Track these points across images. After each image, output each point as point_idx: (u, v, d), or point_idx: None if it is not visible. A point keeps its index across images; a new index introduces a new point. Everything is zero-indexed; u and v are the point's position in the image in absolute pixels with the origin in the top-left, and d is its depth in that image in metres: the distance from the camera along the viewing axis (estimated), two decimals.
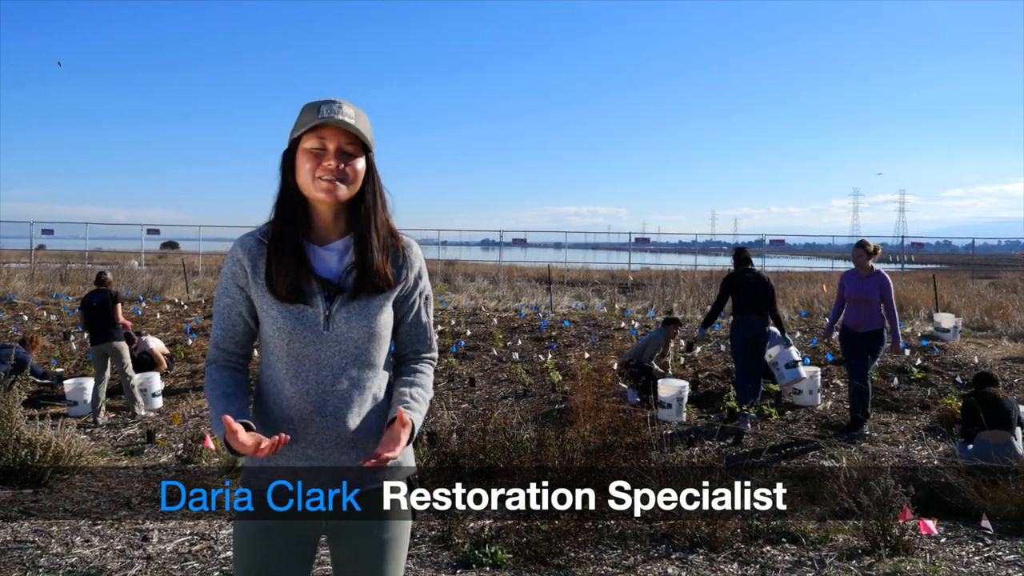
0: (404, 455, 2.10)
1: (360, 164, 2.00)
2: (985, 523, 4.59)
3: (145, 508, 5.38)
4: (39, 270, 23.96)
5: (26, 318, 15.46)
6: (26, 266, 25.36)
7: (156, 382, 9.61)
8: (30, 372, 9.60)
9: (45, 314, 16.15)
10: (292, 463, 1.96)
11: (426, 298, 2.15)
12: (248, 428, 1.87)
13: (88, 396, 9.14)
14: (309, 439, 1.94)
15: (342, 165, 1.95)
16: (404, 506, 2.08)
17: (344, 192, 1.97)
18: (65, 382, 9.31)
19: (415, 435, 1.96)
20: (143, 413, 9.10)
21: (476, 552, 4.48)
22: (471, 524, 4.96)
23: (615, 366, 9.88)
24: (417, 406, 2.02)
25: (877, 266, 8.12)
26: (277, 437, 1.82)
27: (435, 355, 2.20)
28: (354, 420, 1.99)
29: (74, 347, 12.54)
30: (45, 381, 9.84)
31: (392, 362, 2.16)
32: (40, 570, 4.20)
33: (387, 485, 2.02)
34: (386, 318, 2.04)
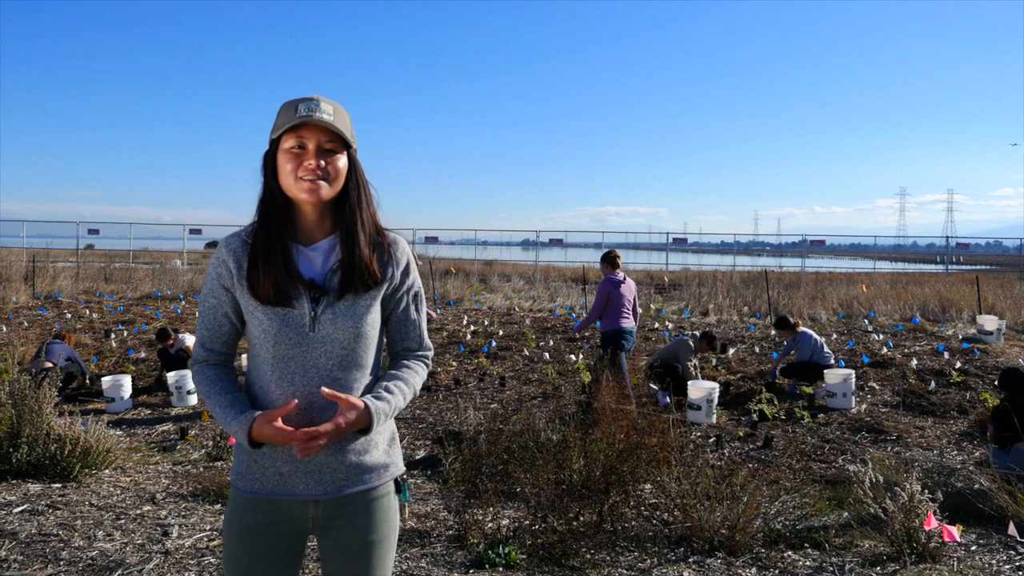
0: (393, 457, 2.09)
1: (342, 162, 1.98)
2: (1012, 530, 4.45)
3: (168, 503, 5.45)
4: (84, 269, 24.49)
5: (69, 316, 15.82)
6: (73, 265, 25.94)
7: (190, 380, 9.76)
8: (77, 365, 9.92)
9: (88, 312, 16.52)
10: (279, 465, 1.96)
11: (415, 295, 2.13)
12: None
13: (125, 393, 9.32)
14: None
15: (323, 163, 1.93)
16: (393, 507, 2.08)
17: (327, 191, 1.95)
18: (103, 379, 9.48)
19: (375, 423, 1.93)
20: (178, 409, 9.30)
21: (490, 552, 4.46)
22: (488, 524, 4.94)
23: (643, 367, 9.80)
24: (389, 396, 1.99)
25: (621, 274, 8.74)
26: (314, 431, 1.83)
27: (428, 353, 2.18)
28: None
29: (114, 344, 12.79)
30: (81, 375, 10.08)
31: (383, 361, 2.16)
32: (61, 563, 4.27)
33: (375, 486, 2.03)
34: (373, 317, 2.02)
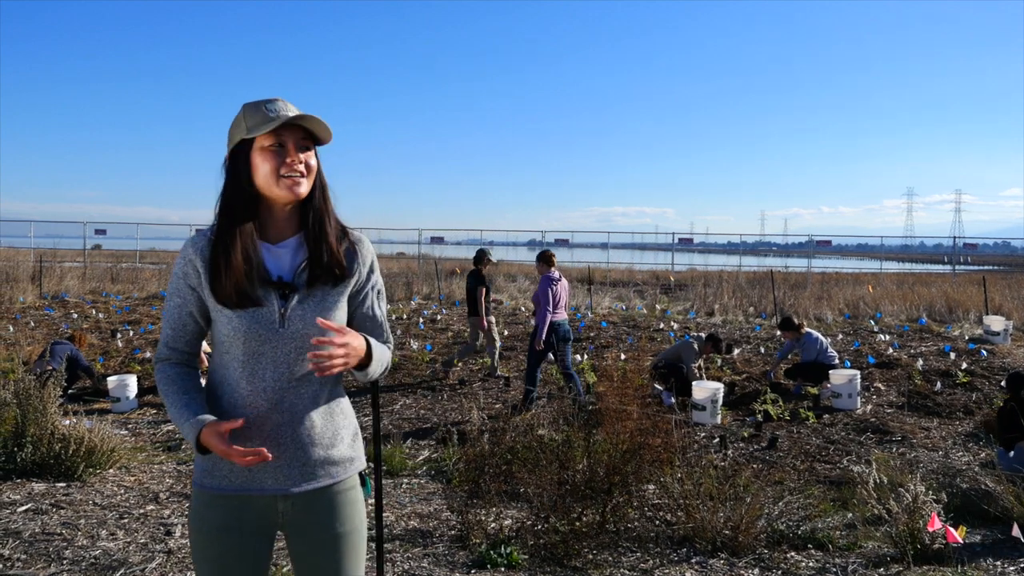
0: (357, 451, 2.12)
1: (314, 160, 2.02)
2: (1016, 532, 4.42)
3: (172, 503, 5.46)
4: (91, 269, 24.55)
5: (75, 316, 15.86)
6: (80, 265, 26.01)
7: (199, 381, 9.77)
8: (77, 367, 9.89)
9: (94, 312, 16.55)
10: None
11: (378, 292, 2.17)
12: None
13: (131, 392, 9.33)
14: (265, 435, 1.95)
15: (302, 160, 1.98)
16: (359, 500, 2.11)
17: (304, 188, 1.99)
18: (109, 379, 9.49)
19: (373, 356, 1.98)
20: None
21: (492, 552, 4.46)
22: (491, 524, 4.94)
23: (648, 367, 9.80)
24: (376, 345, 2.04)
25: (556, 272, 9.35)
26: (258, 451, 1.84)
27: (391, 344, 2.22)
28: (311, 416, 2.00)
29: (120, 344, 12.81)
30: (88, 377, 10.05)
31: None
32: (64, 562, 4.29)
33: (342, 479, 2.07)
34: (341, 314, 2.05)
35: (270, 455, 1.87)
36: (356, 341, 1.91)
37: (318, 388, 2.02)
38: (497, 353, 11.13)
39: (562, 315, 9.18)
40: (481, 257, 11.08)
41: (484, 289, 10.69)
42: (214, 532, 1.98)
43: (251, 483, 1.97)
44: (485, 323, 10.72)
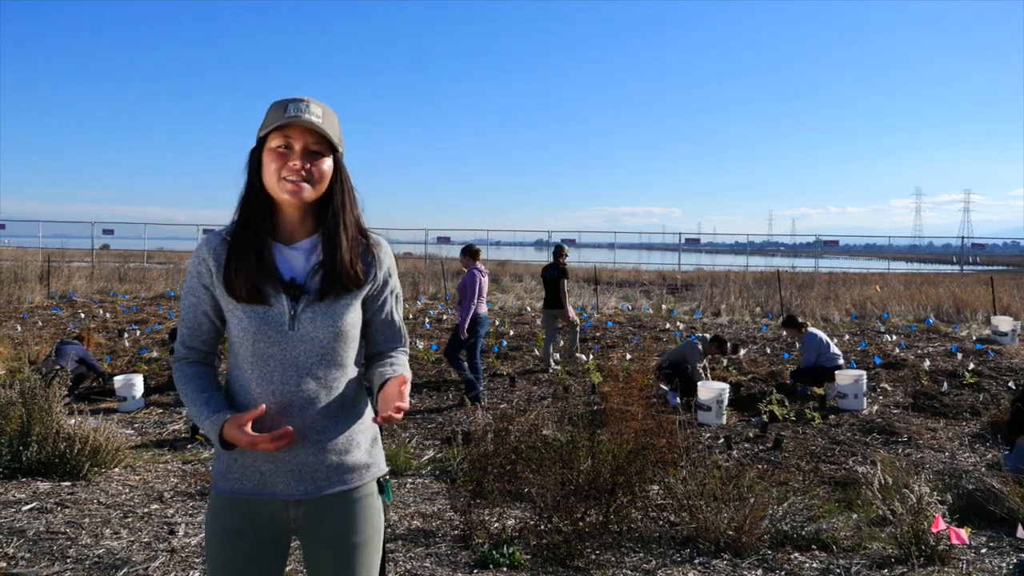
0: (375, 457, 2.08)
1: (327, 164, 1.97)
2: (1021, 533, 4.40)
3: (176, 502, 5.47)
4: (99, 269, 24.65)
5: (83, 315, 15.92)
6: (88, 265, 26.11)
7: None
8: (85, 366, 9.91)
9: (101, 312, 16.63)
10: (259, 463, 1.95)
11: (396, 296, 2.14)
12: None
13: (137, 392, 9.35)
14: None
15: (308, 165, 1.92)
16: (376, 508, 2.07)
17: (309, 193, 1.94)
18: (115, 378, 9.51)
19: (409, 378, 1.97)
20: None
21: (494, 552, 4.46)
22: (494, 524, 4.94)
23: (653, 367, 9.79)
24: (401, 370, 2.02)
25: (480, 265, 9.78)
26: (284, 431, 1.84)
27: (407, 347, 2.20)
28: (322, 420, 1.97)
29: (127, 344, 12.86)
30: (96, 376, 10.09)
31: (363, 361, 2.15)
32: (68, 561, 4.30)
33: (358, 486, 2.03)
34: (354, 317, 2.02)
35: (295, 435, 1.87)
36: (407, 388, 1.90)
37: (330, 392, 1.98)
38: (577, 340, 11.99)
39: (484, 307, 9.68)
40: (561, 251, 11.64)
41: (566, 281, 11.33)
42: (226, 536, 1.98)
43: (263, 487, 1.96)
44: (571, 314, 11.54)
